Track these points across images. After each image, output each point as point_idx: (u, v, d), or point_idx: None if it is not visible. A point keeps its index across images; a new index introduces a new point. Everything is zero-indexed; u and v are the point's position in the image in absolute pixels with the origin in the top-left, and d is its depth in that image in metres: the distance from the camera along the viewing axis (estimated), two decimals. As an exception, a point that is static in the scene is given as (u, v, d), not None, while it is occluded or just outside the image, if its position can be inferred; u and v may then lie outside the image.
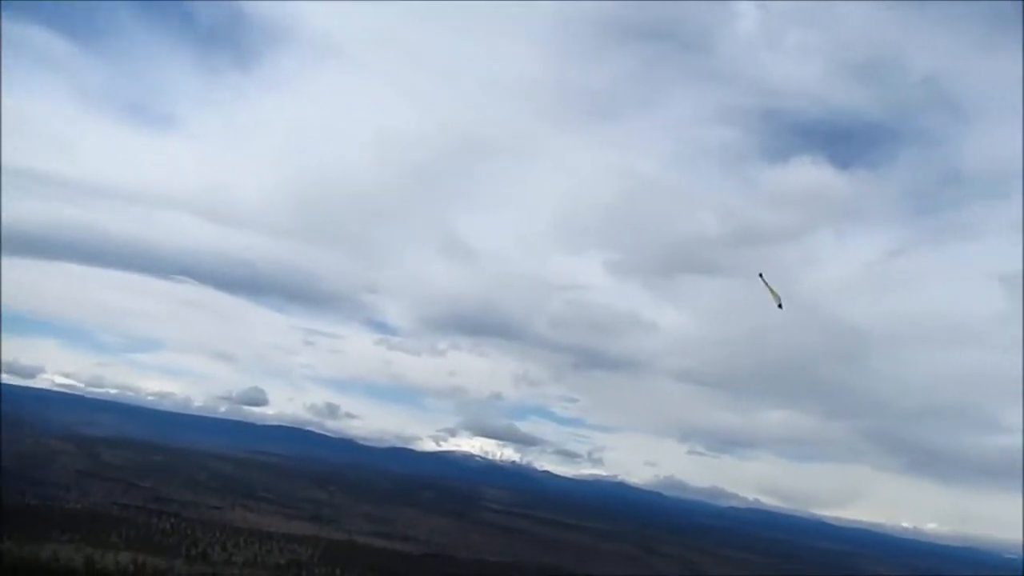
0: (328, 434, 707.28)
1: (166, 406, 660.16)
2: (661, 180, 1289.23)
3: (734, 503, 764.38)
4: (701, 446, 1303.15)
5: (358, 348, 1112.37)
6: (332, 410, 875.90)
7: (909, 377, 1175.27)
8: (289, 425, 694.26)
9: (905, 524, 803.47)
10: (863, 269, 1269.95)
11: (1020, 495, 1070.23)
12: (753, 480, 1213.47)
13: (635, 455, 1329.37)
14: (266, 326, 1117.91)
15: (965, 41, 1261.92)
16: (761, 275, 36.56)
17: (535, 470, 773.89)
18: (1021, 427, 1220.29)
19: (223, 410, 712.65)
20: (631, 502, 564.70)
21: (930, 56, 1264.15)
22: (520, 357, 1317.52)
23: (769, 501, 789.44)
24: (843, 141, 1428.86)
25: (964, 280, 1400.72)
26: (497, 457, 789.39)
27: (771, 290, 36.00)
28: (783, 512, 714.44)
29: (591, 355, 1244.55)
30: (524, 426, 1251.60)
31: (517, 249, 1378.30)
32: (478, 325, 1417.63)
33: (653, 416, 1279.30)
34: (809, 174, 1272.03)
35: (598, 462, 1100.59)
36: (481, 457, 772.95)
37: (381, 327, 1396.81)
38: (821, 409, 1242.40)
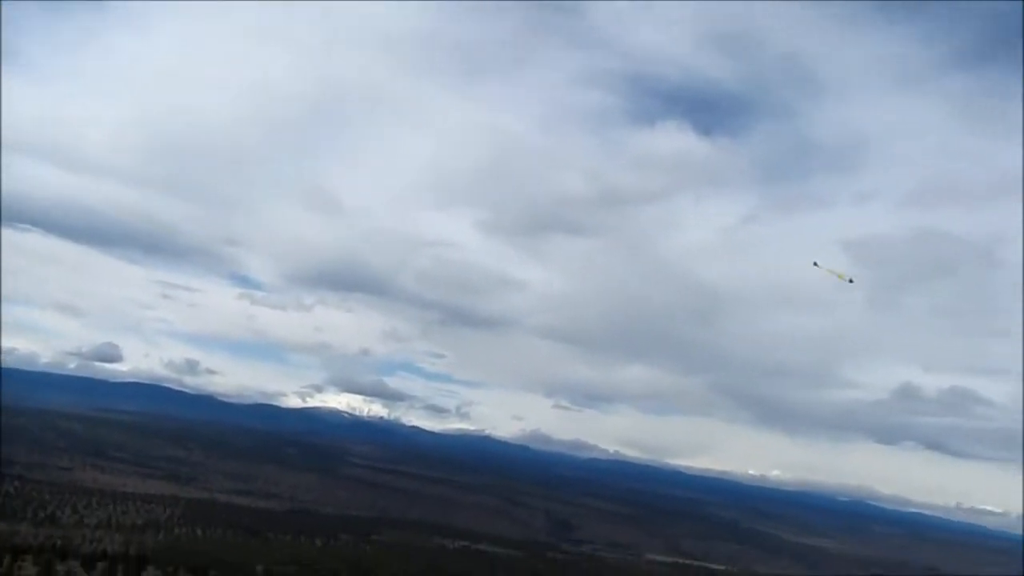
0: (187, 391, 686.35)
1: (9, 363, 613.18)
2: (531, 140, 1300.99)
3: (596, 455, 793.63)
4: (566, 400, 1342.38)
5: (219, 302, 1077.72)
6: (191, 366, 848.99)
7: (759, 336, 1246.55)
8: (145, 382, 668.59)
9: (752, 472, 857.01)
10: (720, 233, 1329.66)
11: (855, 445, 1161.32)
12: (614, 432, 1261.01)
13: (502, 410, 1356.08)
14: (120, 279, 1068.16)
15: (823, 22, 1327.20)
16: (816, 263, 36.60)
17: (403, 425, 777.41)
18: (858, 383, 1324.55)
19: (72, 367, 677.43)
20: (497, 455, 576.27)
21: (790, 33, 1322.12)
22: (388, 313, 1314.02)
23: (629, 452, 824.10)
24: (706, 109, 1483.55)
25: (811, 246, 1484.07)
26: (364, 413, 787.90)
27: (835, 273, 35.96)
28: (641, 463, 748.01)
29: (459, 311, 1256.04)
30: (392, 382, 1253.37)
31: (386, 204, 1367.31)
32: (345, 280, 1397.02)
33: (520, 372, 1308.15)
34: (673, 139, 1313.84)
35: (465, 417, 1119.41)
36: (348, 413, 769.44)
37: (244, 281, 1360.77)
38: (678, 365, 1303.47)
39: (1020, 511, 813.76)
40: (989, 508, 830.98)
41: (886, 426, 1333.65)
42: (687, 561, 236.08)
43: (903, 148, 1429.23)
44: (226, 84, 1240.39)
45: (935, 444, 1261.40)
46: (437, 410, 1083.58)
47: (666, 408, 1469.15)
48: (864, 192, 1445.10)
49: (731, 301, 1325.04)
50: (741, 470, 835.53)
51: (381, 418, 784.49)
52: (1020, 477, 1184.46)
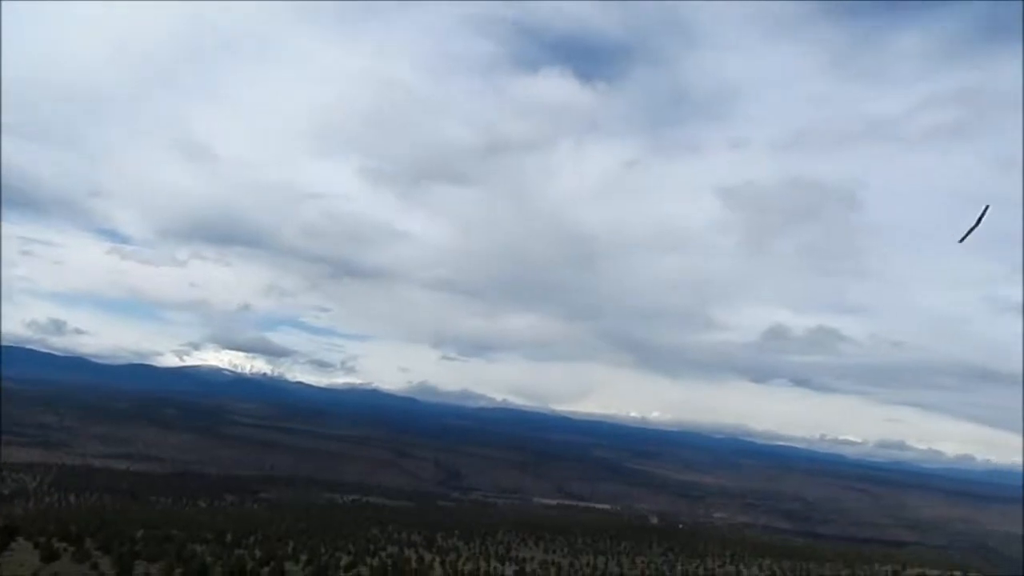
0: (55, 353, 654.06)
1: None
2: (415, 87, 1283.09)
3: (484, 404, 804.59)
4: (453, 351, 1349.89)
5: (86, 258, 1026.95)
6: (58, 326, 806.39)
7: (640, 281, 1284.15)
8: (7, 345, 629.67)
9: (634, 414, 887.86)
10: (601, 179, 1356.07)
11: (729, 385, 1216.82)
12: (501, 381, 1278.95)
13: (389, 362, 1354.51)
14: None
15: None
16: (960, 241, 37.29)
17: (287, 381, 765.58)
18: (733, 325, 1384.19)
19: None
20: (385, 408, 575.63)
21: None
22: (269, 267, 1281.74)
23: (516, 400, 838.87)
24: (587, 56, 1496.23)
25: (688, 192, 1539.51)
26: (247, 370, 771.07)
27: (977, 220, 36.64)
28: (529, 410, 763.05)
29: (344, 264, 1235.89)
30: (275, 337, 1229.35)
31: (265, 154, 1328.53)
32: (223, 233, 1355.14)
33: (406, 323, 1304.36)
34: (555, 86, 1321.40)
35: (352, 371, 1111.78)
36: (230, 371, 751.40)
37: (112, 235, 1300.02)
38: (562, 312, 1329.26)
39: (877, 440, 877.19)
40: (849, 438, 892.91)
41: (758, 365, 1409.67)
42: (573, 503, 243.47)
43: (774, 96, 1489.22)
44: (86, 23, 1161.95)
45: (802, 380, 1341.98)
46: (322, 365, 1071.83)
47: (552, 355, 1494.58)
48: (737, 139, 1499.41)
49: (613, 247, 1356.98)
50: (624, 413, 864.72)
51: (264, 375, 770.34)
52: (877, 407, 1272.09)
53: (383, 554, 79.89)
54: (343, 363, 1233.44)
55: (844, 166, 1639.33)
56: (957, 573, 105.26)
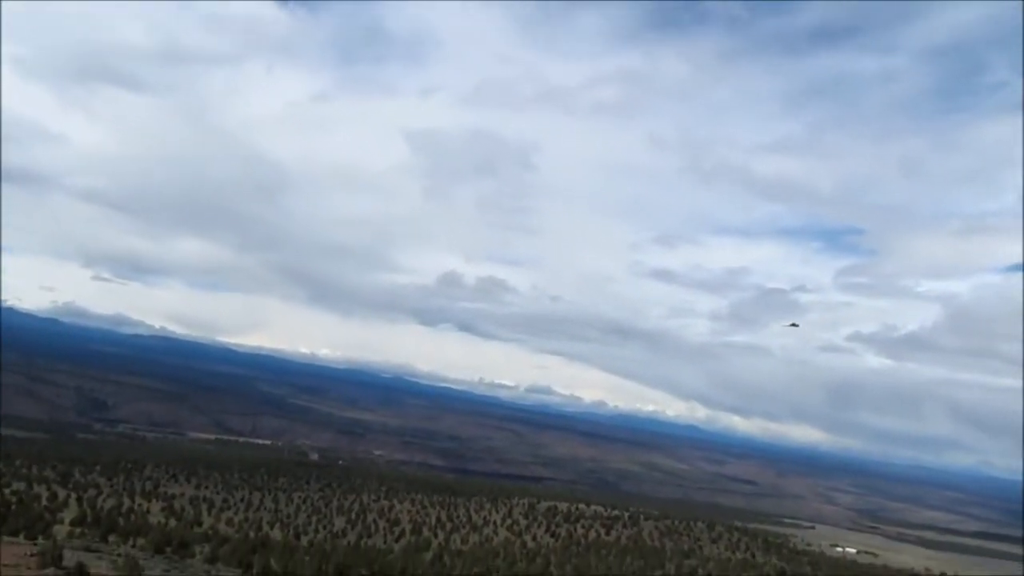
0: None
1: None
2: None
3: (140, 331, 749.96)
4: (107, 271, 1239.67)
5: None
6: None
7: (320, 216, 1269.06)
8: None
9: (303, 350, 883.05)
10: (288, 107, 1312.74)
11: (400, 326, 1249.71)
12: (161, 308, 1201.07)
13: (29, 279, 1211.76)
14: None
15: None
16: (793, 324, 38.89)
17: None
18: (409, 268, 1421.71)
19: None
20: (21, 329, 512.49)
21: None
22: None
23: (176, 329, 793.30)
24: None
25: (376, 132, 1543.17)
26: None
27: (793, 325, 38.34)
28: (190, 339, 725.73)
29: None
30: None
31: None
32: None
33: (53, 237, 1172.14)
34: (248, 1, 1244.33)
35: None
36: None
37: None
38: (235, 240, 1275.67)
39: (528, 384, 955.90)
40: (504, 382, 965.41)
41: (428, 309, 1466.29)
42: (232, 438, 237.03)
43: (466, 50, 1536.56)
44: None
45: (467, 326, 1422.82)
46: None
47: (220, 284, 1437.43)
48: (429, 86, 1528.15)
49: (295, 179, 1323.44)
50: (293, 348, 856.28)
51: None
52: (530, 355, 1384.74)
53: (7, 491, 72.32)
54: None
55: (522, 128, 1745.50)
56: (581, 505, 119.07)
